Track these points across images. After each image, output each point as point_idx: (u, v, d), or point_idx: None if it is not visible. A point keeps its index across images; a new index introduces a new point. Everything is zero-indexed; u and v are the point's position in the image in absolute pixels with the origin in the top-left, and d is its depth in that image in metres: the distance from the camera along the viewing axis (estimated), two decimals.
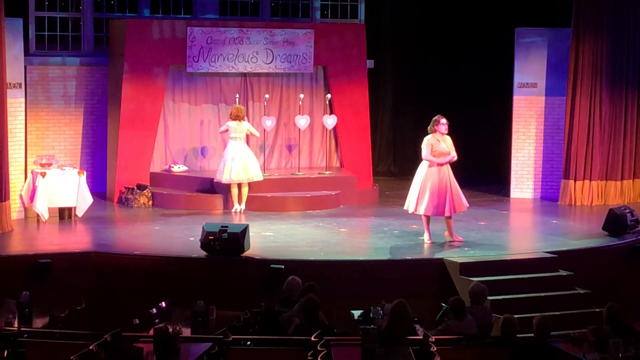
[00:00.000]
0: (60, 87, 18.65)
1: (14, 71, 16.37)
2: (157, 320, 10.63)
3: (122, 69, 18.10)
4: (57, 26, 18.86)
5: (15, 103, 16.45)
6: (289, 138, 19.55)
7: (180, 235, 15.41)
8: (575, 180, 18.64)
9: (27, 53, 17.51)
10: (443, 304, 11.54)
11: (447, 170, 14.59)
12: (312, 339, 9.78)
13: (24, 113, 16.79)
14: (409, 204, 14.80)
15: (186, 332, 10.37)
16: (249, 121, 17.93)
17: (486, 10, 21.07)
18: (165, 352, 9.14)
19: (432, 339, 9.89)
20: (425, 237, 14.87)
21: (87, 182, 16.82)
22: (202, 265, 13.80)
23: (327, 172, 18.90)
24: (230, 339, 9.92)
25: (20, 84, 16.63)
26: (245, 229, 13.93)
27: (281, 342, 10.08)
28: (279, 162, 19.55)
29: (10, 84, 16.08)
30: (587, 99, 18.57)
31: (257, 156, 18.12)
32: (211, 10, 19.54)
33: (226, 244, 13.74)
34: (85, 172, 16.90)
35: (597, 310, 12.01)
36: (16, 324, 10.61)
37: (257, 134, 17.84)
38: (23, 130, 16.77)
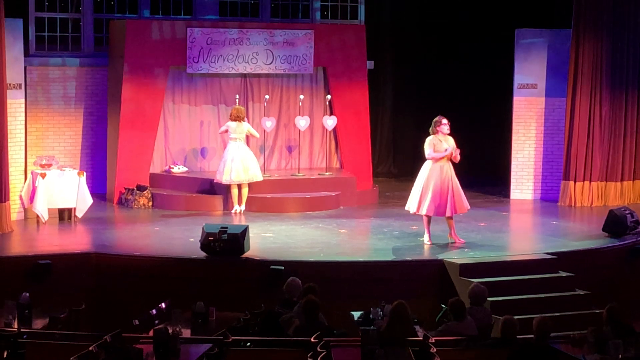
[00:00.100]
0: (60, 87, 18.66)
1: (14, 72, 16.37)
2: (157, 321, 10.63)
3: (122, 70, 18.10)
4: (57, 27, 18.85)
5: (15, 104, 16.45)
6: (289, 139, 19.55)
7: (180, 236, 15.40)
8: (575, 181, 18.64)
9: (27, 54, 17.51)
10: (443, 305, 11.53)
11: (450, 170, 14.58)
12: (312, 340, 9.77)
13: (23, 114, 16.79)
14: (411, 205, 14.79)
15: (186, 333, 10.37)
16: (248, 122, 17.93)
17: (486, 10, 21.07)
18: (165, 353, 9.14)
19: (432, 340, 9.88)
20: (425, 238, 14.87)
21: (87, 183, 16.81)
22: (202, 266, 13.80)
23: (327, 173, 18.90)
24: (230, 340, 9.92)
25: (20, 85, 16.63)
26: (245, 230, 13.93)
27: (281, 343, 10.08)
28: (278, 163, 19.55)
29: (10, 84, 16.08)
30: (587, 100, 18.57)
31: (257, 157, 18.12)
32: (211, 11, 19.54)
33: (226, 245, 13.74)
34: (85, 173, 16.90)
35: (597, 311, 12.00)
36: (16, 325, 10.61)
37: (256, 135, 17.85)
38: (23, 131, 16.77)
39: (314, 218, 17.13)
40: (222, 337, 9.96)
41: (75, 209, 16.54)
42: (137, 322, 10.51)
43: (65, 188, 16.51)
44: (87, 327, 11.76)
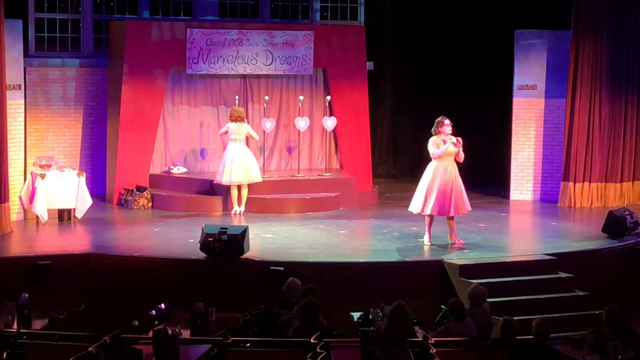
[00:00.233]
0: (60, 88, 18.66)
1: (14, 72, 16.36)
2: (156, 322, 10.63)
3: (121, 71, 18.10)
4: (56, 28, 18.85)
5: (15, 104, 16.44)
6: (289, 140, 19.55)
7: (179, 237, 15.40)
8: (574, 182, 18.64)
9: (26, 54, 17.50)
10: (442, 306, 11.54)
11: (455, 171, 14.58)
12: (312, 340, 9.77)
13: (23, 114, 16.78)
14: (415, 206, 14.76)
15: (185, 333, 10.37)
16: (248, 123, 17.92)
17: (486, 10, 21.06)
18: (164, 354, 9.14)
19: (432, 341, 9.88)
20: (425, 238, 14.87)
21: (87, 184, 16.80)
22: (201, 267, 13.80)
23: (327, 174, 18.90)
24: (230, 340, 9.92)
25: (19, 86, 16.62)
26: (244, 231, 13.93)
27: (280, 344, 10.08)
28: (278, 164, 19.55)
29: (9, 85, 16.07)
30: (587, 101, 18.57)
31: (257, 158, 18.12)
32: (211, 12, 19.54)
33: (226, 246, 13.74)
34: (84, 174, 16.89)
35: (597, 312, 12.02)
36: (15, 326, 10.61)
37: (256, 137, 17.82)
38: (22, 131, 16.76)
39: (314, 219, 17.13)
40: (221, 338, 9.96)
41: (74, 209, 16.54)
42: (136, 322, 10.51)
43: (64, 189, 16.50)
44: (86, 328, 11.76)
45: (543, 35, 19.24)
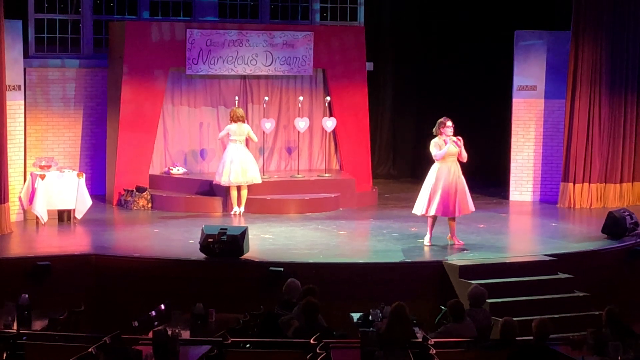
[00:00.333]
0: (60, 89, 18.65)
1: (14, 73, 16.36)
2: (156, 323, 10.64)
3: (121, 71, 18.10)
4: (56, 28, 18.85)
5: (15, 105, 16.44)
6: (289, 140, 19.55)
7: (179, 238, 15.40)
8: (574, 183, 18.64)
9: (26, 55, 17.50)
10: (442, 307, 11.54)
11: (458, 171, 14.57)
12: (312, 341, 9.77)
13: (23, 115, 16.78)
14: (418, 207, 14.73)
15: (185, 334, 10.37)
16: (248, 123, 17.91)
17: (486, 11, 21.06)
18: (164, 355, 9.14)
19: (431, 341, 9.89)
20: (426, 239, 14.86)
21: (87, 185, 16.80)
22: (201, 268, 13.80)
23: (327, 175, 18.89)
24: (230, 341, 9.92)
25: (19, 86, 16.62)
26: (244, 232, 13.93)
27: (280, 344, 10.08)
28: (278, 165, 19.55)
29: (9, 86, 16.07)
30: (587, 101, 18.57)
31: (257, 158, 18.12)
32: (211, 13, 19.54)
33: (225, 247, 13.74)
34: (84, 174, 16.89)
35: (597, 313, 12.01)
36: (15, 326, 10.61)
37: (255, 139, 17.76)
38: (22, 132, 16.75)
39: (314, 219, 17.13)
40: (221, 339, 9.96)
41: (74, 210, 16.53)
42: (136, 323, 10.51)
43: (64, 189, 16.50)
44: (86, 329, 11.76)
45: (543, 35, 19.24)
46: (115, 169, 18.18)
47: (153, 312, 10.88)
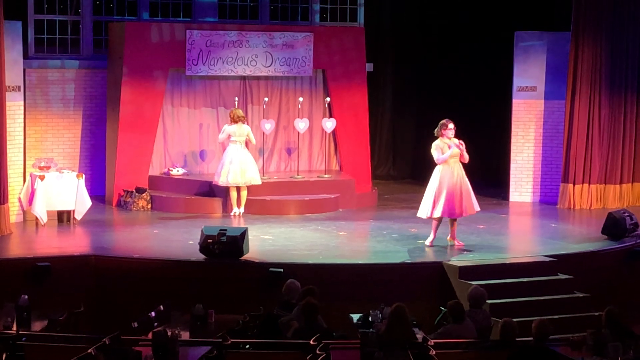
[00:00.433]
0: (59, 90, 18.65)
1: (13, 74, 16.36)
2: (156, 324, 10.63)
3: (121, 72, 18.10)
4: (56, 29, 18.86)
5: (14, 106, 16.43)
6: (288, 141, 19.55)
7: (179, 239, 15.40)
8: (574, 184, 18.64)
9: (26, 56, 17.49)
10: (442, 308, 11.53)
11: (461, 172, 14.55)
12: (311, 342, 9.77)
13: (22, 116, 16.77)
14: (423, 210, 14.67)
15: (185, 335, 10.37)
16: (248, 124, 17.90)
17: (486, 12, 21.06)
18: (164, 356, 9.13)
19: (431, 342, 9.88)
20: (428, 240, 14.82)
21: (86, 185, 16.80)
22: (201, 269, 13.79)
23: (326, 176, 18.89)
24: (229, 342, 9.92)
25: (19, 87, 16.62)
26: (244, 232, 13.93)
27: (280, 345, 10.08)
28: (278, 165, 19.55)
29: (9, 87, 16.07)
30: (586, 102, 18.57)
31: (257, 159, 18.12)
32: (210, 14, 19.53)
33: (225, 248, 13.73)
34: (84, 175, 16.89)
35: (596, 313, 12.00)
36: (15, 327, 10.60)
37: (253, 141, 17.70)
38: (22, 133, 16.75)
39: (313, 220, 17.13)
40: (221, 340, 9.96)
41: (74, 211, 16.53)
42: (136, 324, 10.51)
43: (64, 190, 16.50)
44: (86, 330, 11.75)
45: (543, 36, 19.24)
46: (115, 170, 18.18)
47: (153, 313, 10.87)
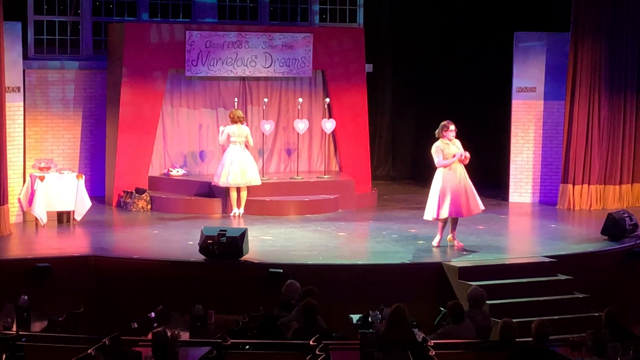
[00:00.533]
0: (59, 91, 18.66)
1: (13, 75, 16.36)
2: (155, 324, 10.63)
3: (120, 73, 18.10)
4: (55, 30, 18.87)
5: (14, 107, 16.44)
6: (288, 142, 19.55)
7: (178, 239, 15.40)
8: (573, 185, 18.64)
9: (25, 57, 17.50)
10: (441, 308, 11.53)
11: (463, 171, 14.55)
12: (311, 343, 9.77)
13: (22, 117, 16.77)
14: (429, 213, 14.64)
15: (185, 336, 10.36)
16: (247, 125, 17.90)
17: (485, 13, 21.07)
18: (163, 356, 9.13)
19: (431, 343, 9.88)
20: (435, 241, 14.79)
21: (86, 186, 16.81)
22: (200, 269, 13.79)
23: (326, 176, 18.90)
24: (229, 343, 9.91)
25: (18, 88, 16.62)
26: (243, 233, 13.93)
27: (280, 346, 10.08)
28: (277, 166, 19.56)
29: (8, 87, 16.07)
30: (586, 103, 18.57)
31: (256, 160, 18.12)
32: (210, 14, 19.54)
33: (225, 248, 13.74)
34: (83, 176, 16.89)
35: (596, 314, 12.01)
36: (14, 328, 10.60)
37: (251, 142, 17.67)
38: (22, 134, 16.75)
39: (313, 221, 17.13)
40: (220, 340, 9.96)
41: (73, 211, 16.53)
42: (135, 325, 10.51)
43: (63, 191, 16.50)
44: (85, 330, 11.75)
45: (542, 37, 19.25)
46: (115, 171, 18.18)
47: (152, 314, 10.87)
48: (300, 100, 18.96)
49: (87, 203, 16.62)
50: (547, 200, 19.13)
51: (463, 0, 21.32)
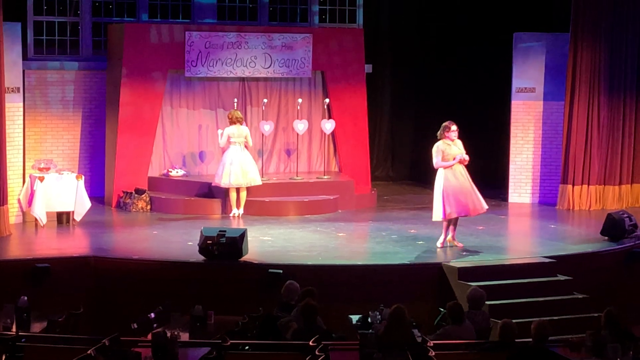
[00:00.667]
0: (59, 91, 18.66)
1: (12, 75, 16.36)
2: (155, 325, 10.63)
3: (120, 74, 18.10)
4: (55, 30, 18.87)
5: (14, 107, 16.44)
6: (288, 142, 19.55)
7: (178, 240, 15.40)
8: (573, 185, 18.65)
9: (25, 57, 17.50)
10: (441, 309, 11.54)
11: (464, 171, 14.54)
12: (310, 343, 9.77)
13: (22, 117, 16.78)
14: (437, 214, 14.59)
15: (184, 336, 10.37)
16: (247, 126, 17.90)
17: (484, 14, 21.07)
18: (163, 357, 9.14)
19: (430, 344, 9.89)
20: (439, 241, 14.78)
21: (86, 187, 16.81)
22: (200, 270, 13.80)
23: (325, 177, 18.90)
24: (229, 343, 9.91)
25: (18, 89, 16.62)
26: (243, 234, 13.93)
27: (279, 346, 10.08)
28: (277, 167, 19.55)
29: (8, 88, 16.07)
30: (585, 103, 18.58)
31: (256, 160, 18.12)
32: (209, 15, 19.54)
33: (224, 249, 13.74)
34: (83, 177, 16.89)
35: (595, 315, 12.01)
36: (14, 329, 10.60)
37: (250, 143, 17.67)
38: (21, 134, 16.75)
39: (312, 222, 17.13)
40: (220, 341, 9.96)
41: (73, 212, 16.53)
42: (135, 325, 10.51)
43: (63, 191, 16.50)
44: (85, 331, 11.75)
45: (541, 38, 19.25)
46: (114, 171, 18.18)
47: (152, 314, 10.87)
48: (300, 100, 18.96)
49: (87, 203, 16.62)
50: (547, 200, 19.13)
51: (462, 1, 21.33)
